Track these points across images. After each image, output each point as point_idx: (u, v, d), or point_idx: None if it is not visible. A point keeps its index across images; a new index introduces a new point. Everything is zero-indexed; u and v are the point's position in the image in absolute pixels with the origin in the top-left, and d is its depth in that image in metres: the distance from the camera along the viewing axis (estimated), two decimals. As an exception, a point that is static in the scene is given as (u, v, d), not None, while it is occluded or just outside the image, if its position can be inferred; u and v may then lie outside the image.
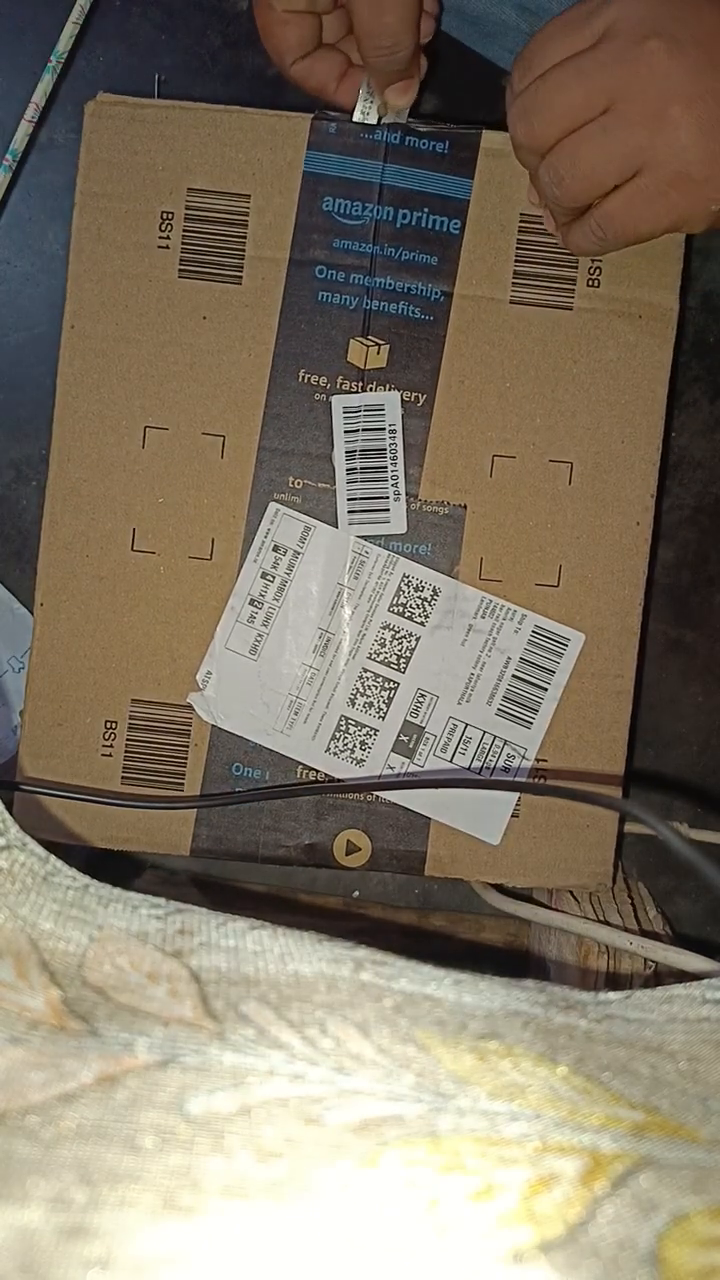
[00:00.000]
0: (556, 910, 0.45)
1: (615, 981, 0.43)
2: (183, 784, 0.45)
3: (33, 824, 0.45)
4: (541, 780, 0.45)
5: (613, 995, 0.35)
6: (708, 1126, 0.29)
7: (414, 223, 0.44)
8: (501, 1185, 0.26)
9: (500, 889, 0.47)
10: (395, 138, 0.44)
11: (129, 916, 0.34)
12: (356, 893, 0.53)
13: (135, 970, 0.32)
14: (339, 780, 0.45)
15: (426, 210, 0.45)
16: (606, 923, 0.44)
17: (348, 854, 0.46)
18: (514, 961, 0.49)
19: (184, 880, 0.52)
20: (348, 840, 0.46)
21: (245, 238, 0.44)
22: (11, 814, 0.37)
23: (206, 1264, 0.22)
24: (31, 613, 0.50)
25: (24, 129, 0.48)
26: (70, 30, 0.48)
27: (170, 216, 0.44)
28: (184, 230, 0.44)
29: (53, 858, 0.36)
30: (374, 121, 0.44)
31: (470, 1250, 0.24)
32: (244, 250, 0.44)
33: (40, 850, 0.36)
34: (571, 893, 0.47)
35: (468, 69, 0.45)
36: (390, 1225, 0.24)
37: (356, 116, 0.44)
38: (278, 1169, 0.25)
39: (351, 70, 0.44)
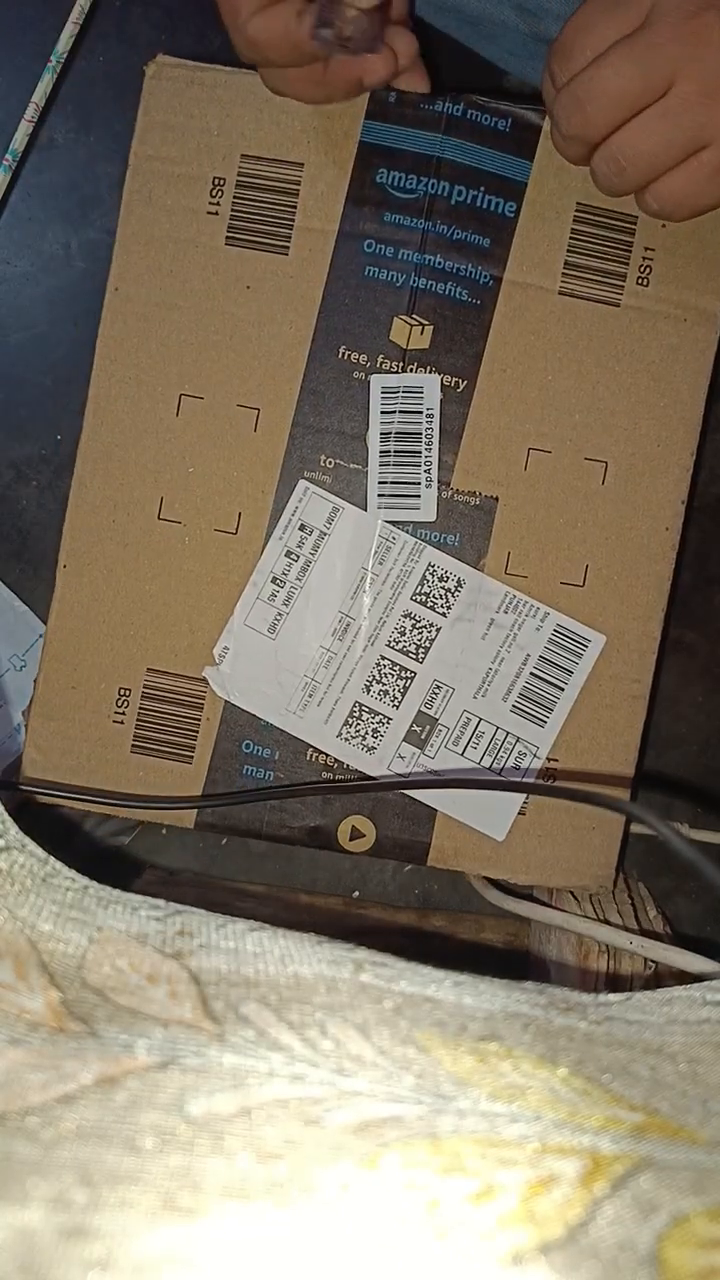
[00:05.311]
0: (557, 909, 0.46)
1: (615, 982, 0.43)
2: (192, 757, 0.45)
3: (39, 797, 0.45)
4: (551, 779, 0.45)
5: (613, 997, 0.35)
6: (708, 1128, 0.29)
7: (469, 201, 0.43)
8: (501, 1186, 0.26)
9: (500, 887, 0.47)
10: (457, 110, 0.43)
11: (128, 918, 0.34)
12: (356, 893, 0.53)
13: (135, 972, 0.32)
14: (347, 765, 0.45)
15: (483, 189, 0.43)
16: (607, 922, 0.44)
17: (352, 839, 0.46)
18: (514, 962, 0.49)
19: (184, 881, 0.52)
20: (352, 826, 0.46)
21: (295, 207, 0.43)
22: (11, 816, 0.37)
23: (207, 1265, 0.22)
24: (32, 610, 0.50)
25: (24, 129, 0.48)
26: (70, 30, 0.48)
27: (222, 182, 0.43)
28: (235, 197, 0.43)
29: (52, 859, 0.36)
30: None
31: (470, 1252, 0.24)
32: (293, 220, 0.43)
33: (40, 851, 0.36)
34: (571, 892, 0.47)
35: (468, 69, 0.44)
36: (390, 1227, 0.24)
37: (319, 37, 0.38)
38: (278, 1170, 0.25)
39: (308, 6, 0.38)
